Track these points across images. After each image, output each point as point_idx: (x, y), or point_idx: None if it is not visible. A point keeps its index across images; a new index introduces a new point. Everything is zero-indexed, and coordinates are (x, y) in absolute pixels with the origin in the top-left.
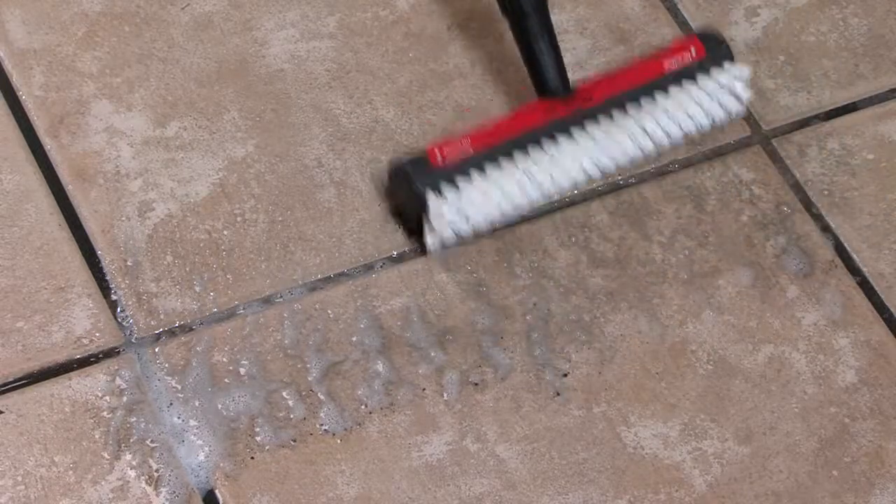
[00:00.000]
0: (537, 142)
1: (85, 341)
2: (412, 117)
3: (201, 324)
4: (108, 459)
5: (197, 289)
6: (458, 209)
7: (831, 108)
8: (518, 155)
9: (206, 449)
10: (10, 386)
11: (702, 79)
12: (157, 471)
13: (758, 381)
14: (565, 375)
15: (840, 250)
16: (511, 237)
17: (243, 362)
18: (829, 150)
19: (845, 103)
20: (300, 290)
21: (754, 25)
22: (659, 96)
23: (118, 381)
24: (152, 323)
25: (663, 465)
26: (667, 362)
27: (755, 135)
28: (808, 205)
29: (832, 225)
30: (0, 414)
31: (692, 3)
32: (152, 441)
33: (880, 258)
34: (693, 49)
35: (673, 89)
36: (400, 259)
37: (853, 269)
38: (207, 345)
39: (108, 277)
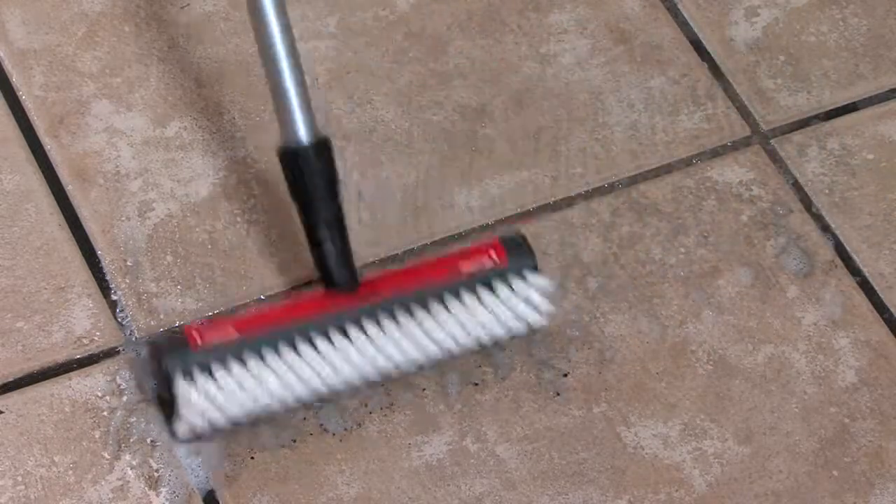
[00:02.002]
0: (308, 336)
1: (85, 341)
2: (412, 117)
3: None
4: (108, 459)
5: (197, 289)
6: (209, 397)
7: (831, 108)
8: (284, 347)
9: (206, 448)
10: (10, 386)
11: (498, 286)
12: (157, 471)
13: (758, 381)
14: (565, 375)
15: (840, 250)
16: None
17: None
18: (829, 150)
19: (845, 103)
20: (300, 291)
21: (754, 25)
22: (449, 300)
23: (118, 380)
24: (152, 323)
25: (663, 465)
26: (667, 362)
27: (755, 135)
28: (808, 205)
29: (832, 225)
30: (0, 414)
31: (692, 3)
32: (152, 441)
33: (880, 258)
34: (493, 253)
35: (466, 295)
36: (401, 260)
37: (853, 269)
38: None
39: (108, 277)
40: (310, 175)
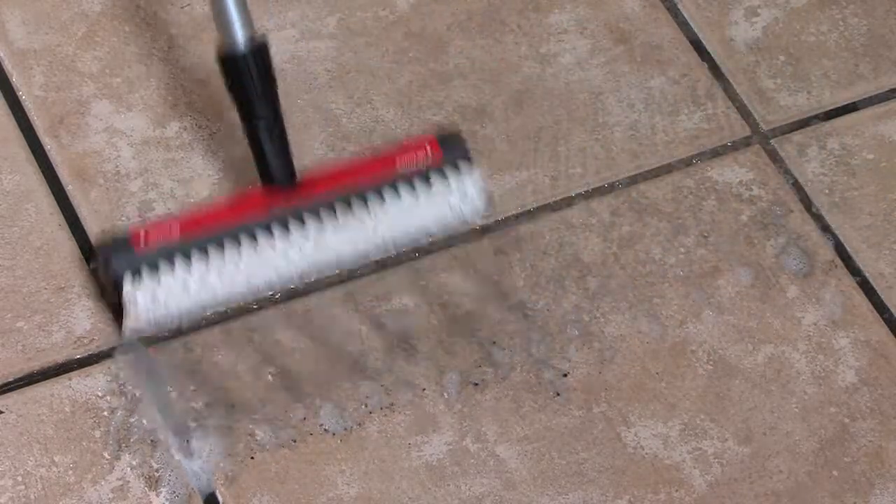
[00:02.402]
0: (250, 232)
1: (85, 341)
2: (412, 117)
3: (201, 324)
4: (108, 459)
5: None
6: (154, 296)
7: (831, 108)
8: (227, 245)
9: (206, 449)
10: (10, 386)
11: (434, 181)
12: (157, 471)
13: (758, 381)
14: (565, 375)
15: (840, 250)
16: (511, 237)
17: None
18: (829, 150)
19: (845, 103)
20: (301, 290)
21: (754, 25)
22: (387, 195)
23: (118, 381)
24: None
25: (663, 465)
26: (667, 362)
27: (755, 135)
28: (808, 205)
29: (832, 225)
30: (0, 414)
31: (692, 3)
32: (152, 441)
33: (880, 258)
34: (430, 149)
35: (403, 189)
36: (401, 260)
37: (853, 269)
38: (207, 345)
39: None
40: (248, 77)
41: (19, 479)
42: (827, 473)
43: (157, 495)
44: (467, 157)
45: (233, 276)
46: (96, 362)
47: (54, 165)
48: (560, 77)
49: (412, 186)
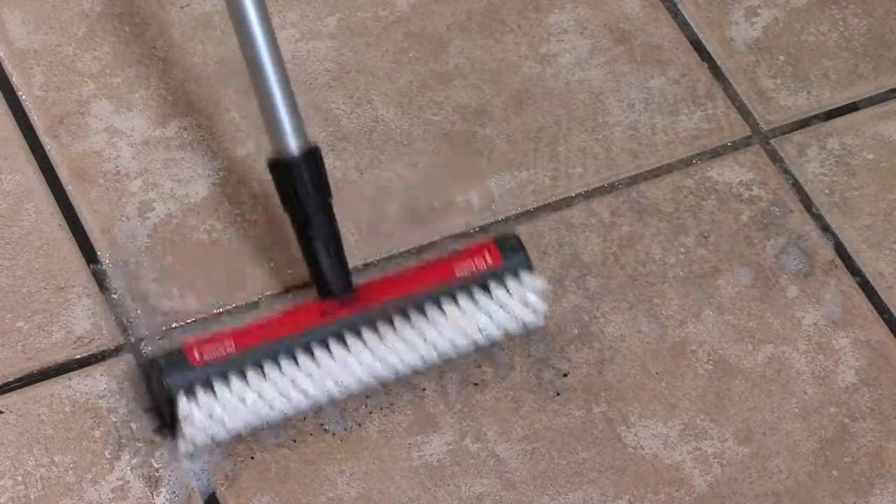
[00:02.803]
0: (306, 346)
1: (85, 341)
2: (412, 117)
3: (201, 324)
4: (108, 459)
5: (197, 289)
6: (211, 413)
7: (831, 108)
8: (283, 359)
9: (207, 449)
10: (10, 386)
11: (494, 288)
12: (157, 471)
13: (758, 381)
14: (565, 375)
15: (840, 250)
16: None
17: None
18: (829, 150)
19: (845, 103)
20: (301, 290)
21: (754, 25)
22: (445, 303)
23: (118, 381)
24: (153, 323)
25: (663, 465)
26: (667, 362)
27: (755, 135)
28: (808, 205)
29: (832, 225)
30: (0, 414)
31: (692, 3)
32: (152, 441)
33: (880, 258)
34: (488, 255)
35: (462, 297)
36: (401, 260)
37: (853, 269)
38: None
39: (108, 277)
40: (301, 186)
41: (19, 479)
42: (827, 473)
43: (157, 495)
44: (527, 262)
45: (290, 391)
46: (96, 362)
47: (54, 165)
48: (560, 77)
49: (471, 294)
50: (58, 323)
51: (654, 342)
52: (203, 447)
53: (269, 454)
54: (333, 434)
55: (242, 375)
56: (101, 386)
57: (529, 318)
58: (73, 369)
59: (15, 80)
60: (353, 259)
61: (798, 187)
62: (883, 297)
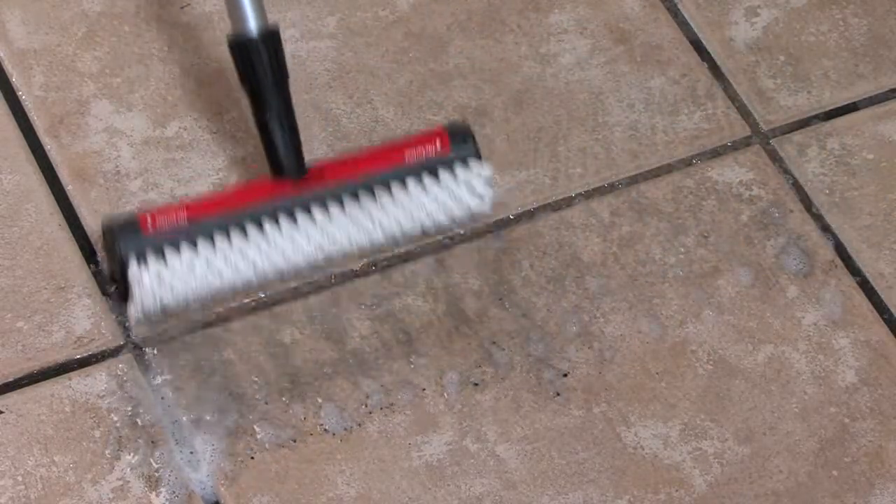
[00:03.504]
0: (257, 220)
1: (85, 341)
2: (412, 117)
3: (201, 323)
4: (108, 459)
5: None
6: (161, 280)
7: (831, 108)
8: (234, 231)
9: (207, 449)
10: (10, 386)
11: (442, 173)
12: (157, 471)
13: (758, 381)
14: (565, 375)
15: (840, 250)
16: (511, 237)
17: (243, 362)
18: (829, 150)
19: (845, 103)
20: (301, 290)
21: (754, 25)
22: (394, 186)
23: (118, 381)
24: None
25: (663, 465)
26: (667, 362)
27: (755, 135)
28: (808, 205)
29: (832, 225)
30: (0, 414)
31: (692, 3)
32: (152, 441)
33: (880, 258)
34: (438, 142)
35: (410, 181)
36: (401, 259)
37: (853, 269)
38: (207, 344)
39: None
40: (259, 66)
41: (19, 479)
42: (827, 473)
43: (157, 495)
44: (476, 151)
45: (239, 261)
46: (96, 362)
47: (54, 165)
48: (560, 77)
49: (420, 178)
50: (58, 323)
51: (654, 342)
52: (153, 313)
53: (269, 454)
54: (333, 434)
55: (193, 244)
56: (101, 386)
57: (475, 203)
58: (73, 369)
59: (15, 80)
60: (345, 264)
61: (798, 187)
62: (883, 297)
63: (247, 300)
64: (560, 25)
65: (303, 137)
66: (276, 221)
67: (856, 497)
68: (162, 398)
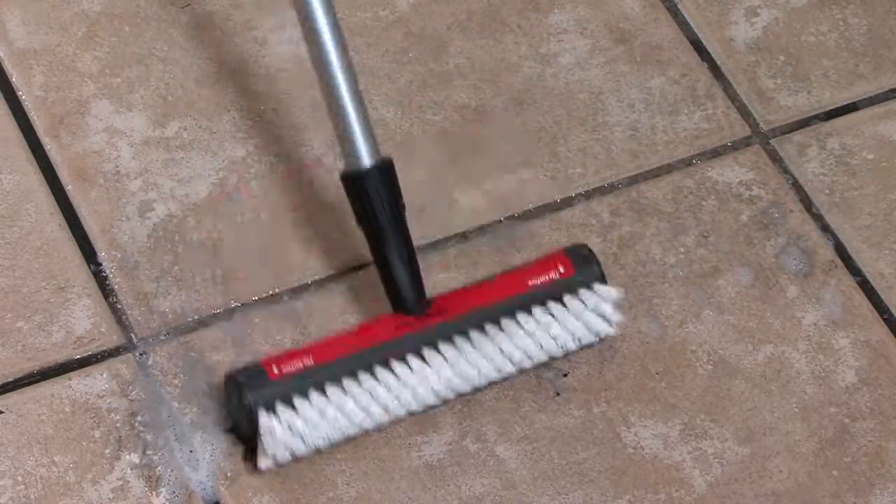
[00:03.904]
0: (384, 360)
1: (85, 341)
2: (412, 117)
3: (201, 324)
4: (108, 459)
5: (197, 288)
6: (292, 428)
7: (831, 108)
8: (362, 373)
9: (207, 448)
10: (10, 386)
11: (567, 299)
12: (157, 471)
13: (758, 381)
14: (565, 375)
15: (840, 250)
16: (511, 237)
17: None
18: (829, 150)
19: (845, 103)
20: (300, 290)
21: (754, 25)
22: (520, 316)
23: (118, 381)
24: (152, 323)
25: (663, 465)
26: (667, 362)
27: (755, 135)
28: (808, 205)
29: (832, 225)
30: (0, 414)
31: (692, 3)
32: (152, 441)
33: (880, 258)
34: (560, 267)
35: (536, 308)
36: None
37: (853, 269)
38: (207, 344)
39: (108, 277)
40: (375, 200)
41: (19, 479)
42: (827, 473)
43: (157, 495)
44: (601, 273)
45: (369, 404)
46: (96, 362)
47: (54, 165)
48: (560, 77)
49: (545, 306)
50: (58, 323)
51: (654, 342)
52: (283, 462)
53: None
54: None
55: (322, 390)
56: (101, 386)
57: (603, 327)
58: (73, 369)
59: (15, 80)
60: (345, 265)
61: (798, 187)
62: (883, 297)
63: (251, 299)
64: (560, 25)
65: (303, 137)
66: (404, 360)
67: (856, 497)
68: (162, 398)
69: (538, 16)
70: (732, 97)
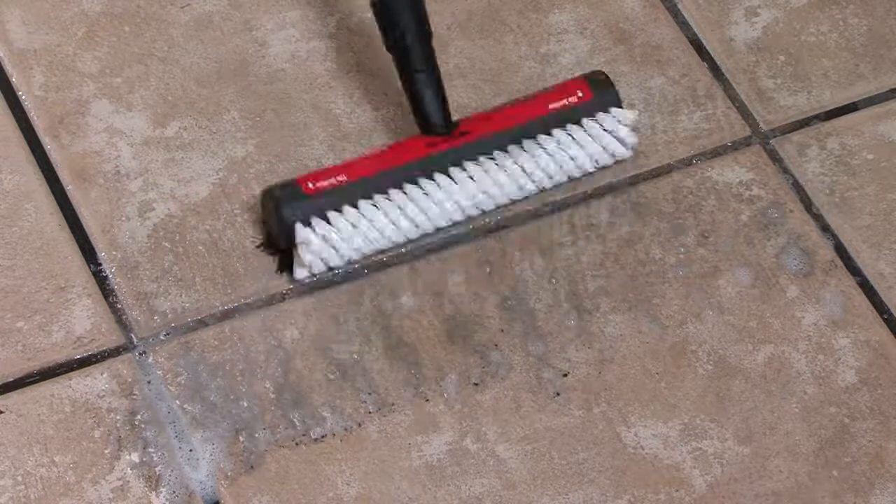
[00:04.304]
0: (413, 177)
1: (85, 341)
2: (412, 117)
3: (201, 323)
4: (108, 459)
5: (197, 289)
6: (327, 240)
7: (831, 108)
8: (392, 189)
9: (207, 448)
10: (10, 386)
11: (586, 122)
12: (157, 471)
13: (758, 381)
14: (565, 375)
15: (840, 250)
16: (511, 237)
17: (243, 362)
18: (829, 150)
19: (845, 103)
20: (300, 290)
21: (754, 25)
22: (541, 137)
23: (118, 381)
24: (152, 323)
25: (663, 465)
26: (667, 362)
27: (755, 135)
28: (808, 205)
29: (832, 225)
30: (0, 414)
31: (692, 3)
32: (152, 441)
33: (880, 258)
34: (579, 91)
35: (556, 130)
36: (401, 259)
37: (853, 269)
38: (207, 344)
39: (108, 277)
40: (406, 22)
41: (19, 479)
42: (827, 473)
43: (157, 495)
44: (617, 98)
45: (399, 219)
46: (96, 362)
47: (54, 165)
48: (560, 77)
49: (564, 128)
50: (58, 323)
51: (654, 342)
52: (319, 272)
53: (269, 454)
54: (333, 434)
55: (354, 204)
56: (101, 386)
57: (620, 150)
58: (73, 369)
59: (15, 80)
60: (345, 265)
61: (798, 187)
62: (883, 297)
63: (251, 299)
64: (560, 25)
65: (303, 137)
66: (432, 177)
67: (856, 497)
68: (162, 398)
69: (538, 16)
70: (732, 97)
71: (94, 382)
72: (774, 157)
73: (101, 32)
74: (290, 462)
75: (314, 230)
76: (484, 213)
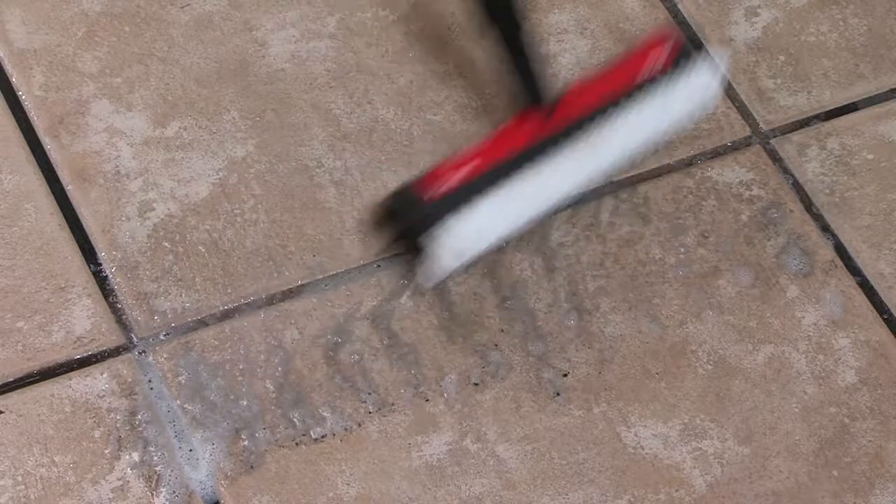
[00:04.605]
0: (528, 161)
1: (85, 341)
2: (412, 117)
3: (201, 323)
4: (108, 459)
5: (197, 288)
6: (458, 237)
7: (831, 108)
8: (515, 176)
9: (207, 448)
10: (10, 386)
11: (671, 85)
12: (157, 471)
13: (758, 381)
14: (565, 375)
15: (840, 250)
16: (511, 237)
17: (243, 362)
18: (829, 150)
19: (845, 103)
20: (300, 290)
21: (754, 25)
22: (633, 105)
23: (118, 381)
24: (152, 323)
25: (663, 465)
26: (667, 362)
27: (755, 135)
28: (808, 205)
29: (832, 225)
30: (0, 414)
31: (692, 3)
32: (152, 441)
33: (880, 258)
34: (660, 56)
35: (647, 97)
36: (401, 259)
37: (853, 269)
38: (207, 344)
39: (108, 277)
40: (512, 4)
41: (19, 479)
42: (827, 473)
43: (157, 495)
44: (692, 58)
45: (524, 205)
46: (96, 362)
47: (54, 165)
48: (560, 77)
49: (653, 93)
50: (58, 323)
51: (654, 342)
52: (452, 270)
53: (268, 454)
54: (333, 434)
55: (481, 196)
56: (101, 386)
57: (702, 109)
58: (73, 369)
59: (15, 80)
60: (345, 265)
61: (798, 187)
62: (883, 297)
63: (251, 299)
64: (560, 25)
65: (303, 137)
66: (544, 158)
67: (856, 497)
68: (162, 398)
69: (538, 16)
70: (732, 97)
71: (94, 382)
72: (774, 157)
73: (101, 32)
74: (290, 462)
75: (444, 226)
76: (594, 179)
